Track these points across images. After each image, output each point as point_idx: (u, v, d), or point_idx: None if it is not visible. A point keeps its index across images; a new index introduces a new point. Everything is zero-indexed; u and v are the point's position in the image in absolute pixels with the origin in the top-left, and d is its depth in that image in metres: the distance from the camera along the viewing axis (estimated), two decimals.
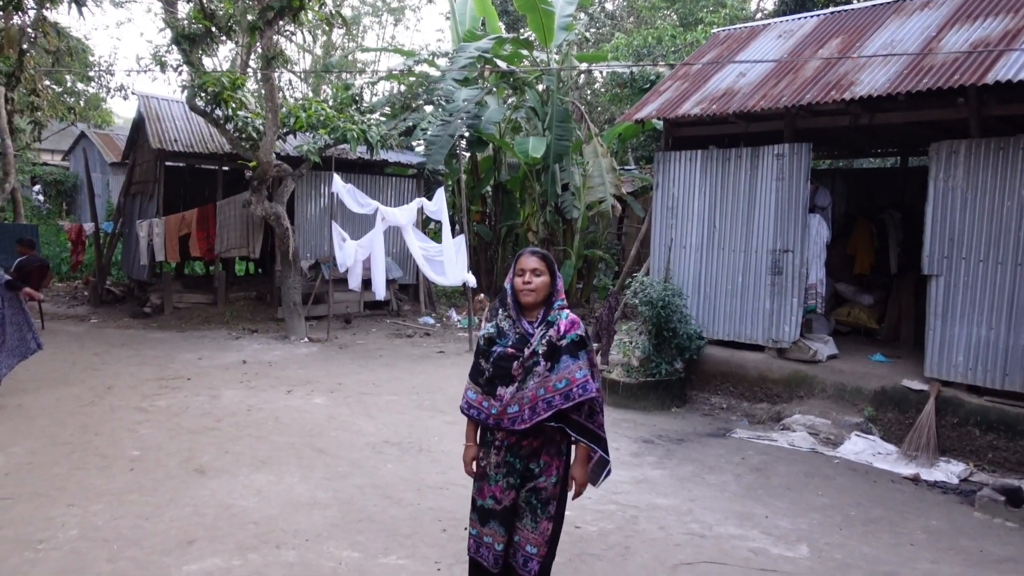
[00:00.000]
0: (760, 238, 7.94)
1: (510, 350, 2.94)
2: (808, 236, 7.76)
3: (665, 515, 4.87)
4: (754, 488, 5.50)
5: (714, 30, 12.03)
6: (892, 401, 6.89)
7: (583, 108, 15.46)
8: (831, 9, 9.45)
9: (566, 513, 4.79)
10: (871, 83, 7.01)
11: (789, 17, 9.69)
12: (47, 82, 17.14)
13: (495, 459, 3.01)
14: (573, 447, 3.07)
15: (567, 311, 3.01)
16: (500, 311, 3.07)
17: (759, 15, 22.33)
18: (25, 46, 12.85)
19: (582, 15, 20.37)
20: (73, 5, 10.01)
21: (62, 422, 6.44)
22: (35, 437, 5.99)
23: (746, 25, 10.33)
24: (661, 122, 9.40)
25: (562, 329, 2.94)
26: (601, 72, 19.33)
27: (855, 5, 9.32)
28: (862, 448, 6.44)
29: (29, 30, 12.51)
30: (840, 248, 9.64)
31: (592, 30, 25.18)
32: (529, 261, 2.99)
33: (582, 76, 20.63)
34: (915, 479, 5.86)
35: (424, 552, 4.16)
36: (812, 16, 9.22)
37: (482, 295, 13.11)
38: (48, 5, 12.31)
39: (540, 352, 2.90)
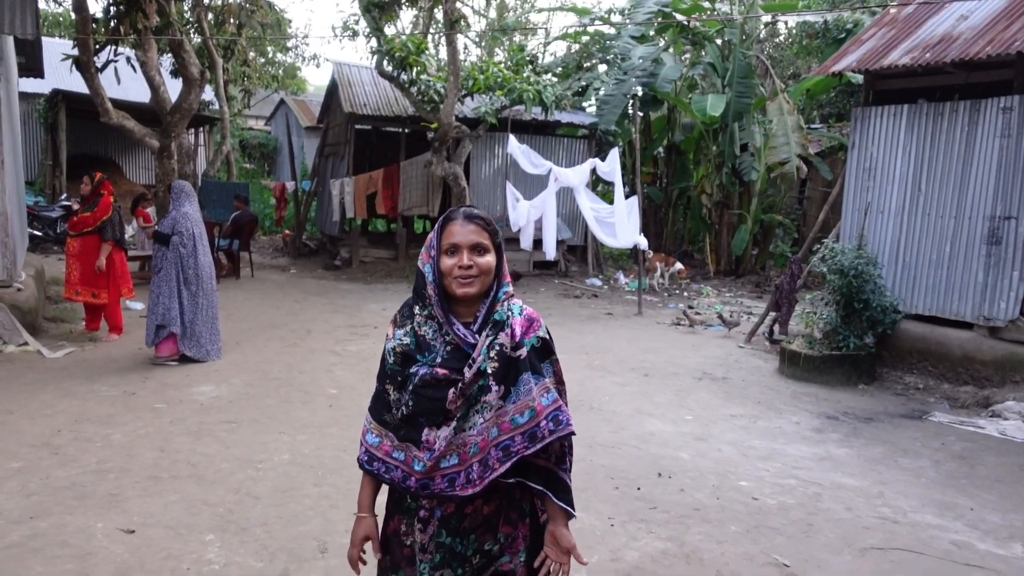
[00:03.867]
0: (976, 203, 7.07)
1: (440, 371, 1.90)
2: None
3: (852, 496, 4.58)
4: (956, 477, 5.01)
5: None
6: None
7: (767, 62, 14.48)
8: None
9: (741, 484, 4.69)
10: None
11: None
12: (252, 53, 18.90)
13: (421, 539, 1.95)
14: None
15: (518, 301, 2.00)
16: (416, 309, 1.99)
17: None
18: (239, 21, 14.21)
19: None
20: None
21: (271, 360, 7.22)
22: (250, 372, 6.77)
23: None
24: (859, 75, 8.59)
25: (517, 331, 1.92)
26: (787, 22, 17.97)
27: None
28: None
29: (246, 4, 13.82)
30: None
31: None
32: (466, 231, 1.92)
33: (767, 27, 19.29)
34: None
35: (597, 507, 4.23)
36: None
37: (650, 252, 12.63)
38: None
39: (489, 371, 1.88)
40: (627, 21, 14.35)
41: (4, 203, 7.63)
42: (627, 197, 10.78)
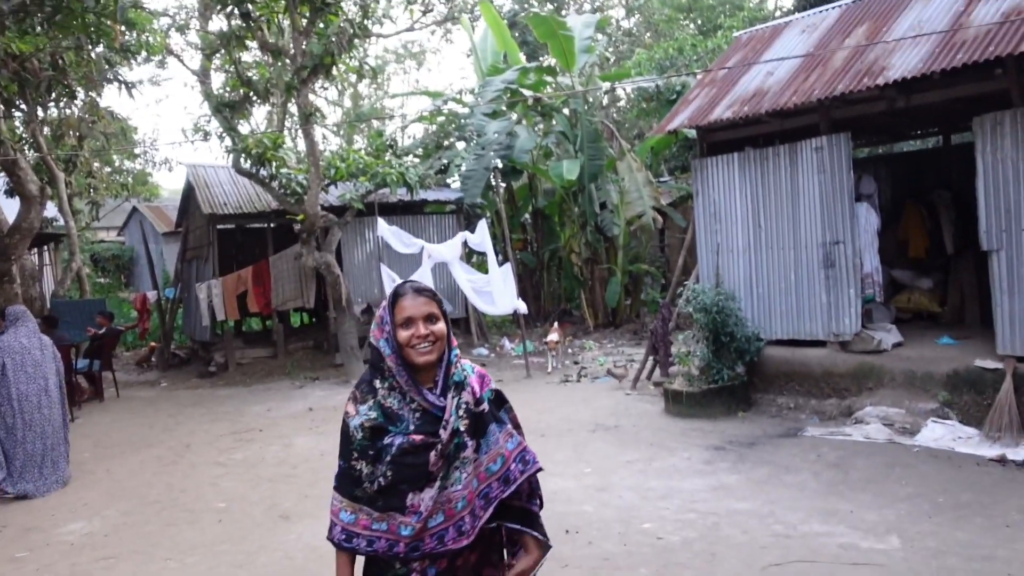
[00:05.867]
0: (808, 233, 7.86)
1: (416, 437, 2.01)
2: (857, 225, 7.66)
3: (747, 519, 4.83)
4: (834, 484, 5.40)
5: (735, 34, 12.07)
6: (966, 383, 6.70)
7: (612, 126, 15.58)
8: None
9: (645, 526, 4.82)
10: (903, 66, 6.95)
11: (811, 12, 9.68)
12: (97, 164, 18.10)
13: None
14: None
15: (467, 362, 2.20)
16: (377, 383, 2.09)
17: (777, 13, 22.27)
18: (80, 133, 13.63)
19: (600, 36, 20.64)
20: (123, 88, 10.65)
21: (148, 482, 6.71)
22: (126, 499, 6.25)
23: (767, 25, 10.34)
24: (693, 130, 9.44)
25: (477, 389, 2.12)
26: (625, 89, 19.47)
27: None
28: (941, 434, 6.26)
29: (86, 116, 13.30)
30: (891, 234, 9.47)
31: (611, 49, 25.42)
32: (417, 304, 2.06)
33: (607, 95, 20.81)
34: (1001, 460, 5.67)
35: None
36: (834, 7, 9.19)
37: (554, 334, 11.36)
38: (96, 92, 13.09)
39: (462, 429, 2.05)
40: (478, 100, 15.04)
41: None
42: (500, 265, 11.07)
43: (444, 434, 2.01)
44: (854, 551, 4.23)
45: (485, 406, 2.13)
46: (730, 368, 7.78)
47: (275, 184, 11.58)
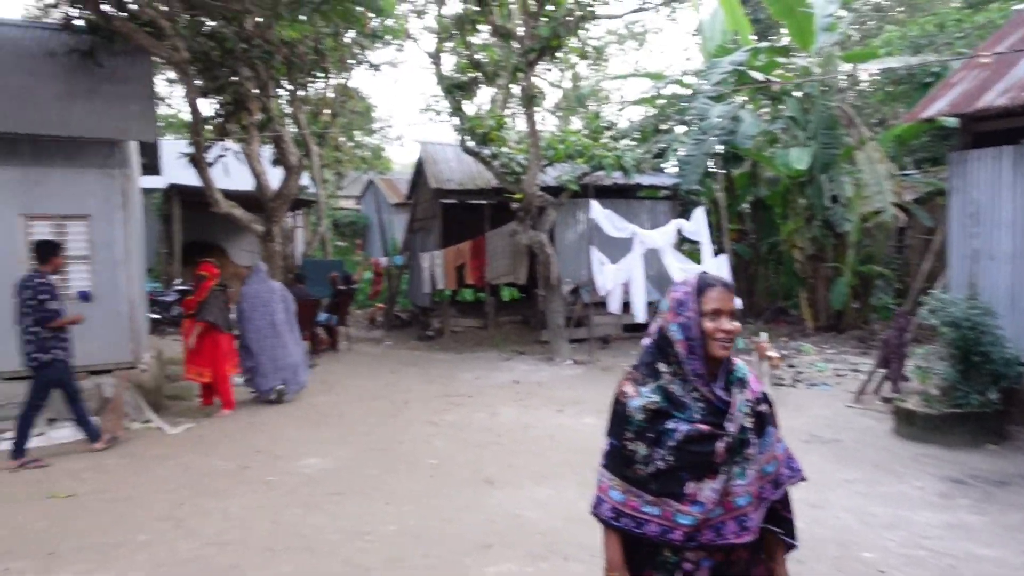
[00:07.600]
0: None
1: (703, 427, 2.01)
2: None
3: (992, 568, 4.22)
4: None
5: (1014, 7, 10.42)
6: None
7: (851, 112, 14.20)
8: None
9: (864, 555, 4.40)
10: None
11: None
12: (343, 138, 20.11)
13: None
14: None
15: (737, 360, 2.19)
16: (662, 367, 2.09)
17: None
18: (331, 110, 15.23)
19: (844, 12, 18.83)
20: (372, 70, 11.70)
21: (372, 431, 7.40)
22: (353, 443, 6.96)
23: None
24: (951, 118, 8.31)
25: (756, 388, 2.13)
26: (869, 70, 17.63)
27: None
28: None
29: (338, 96, 14.83)
30: None
31: (856, 26, 23.12)
32: (725, 298, 2.08)
33: (847, 77, 18.97)
34: None
35: None
36: None
37: (764, 338, 9.21)
38: (347, 73, 14.53)
39: (749, 426, 2.06)
40: (702, 82, 14.47)
41: (133, 292, 8.32)
42: (715, 256, 10.62)
43: (731, 427, 2.01)
44: None
45: (765, 407, 2.12)
46: (980, 393, 6.81)
47: (496, 163, 12.09)
